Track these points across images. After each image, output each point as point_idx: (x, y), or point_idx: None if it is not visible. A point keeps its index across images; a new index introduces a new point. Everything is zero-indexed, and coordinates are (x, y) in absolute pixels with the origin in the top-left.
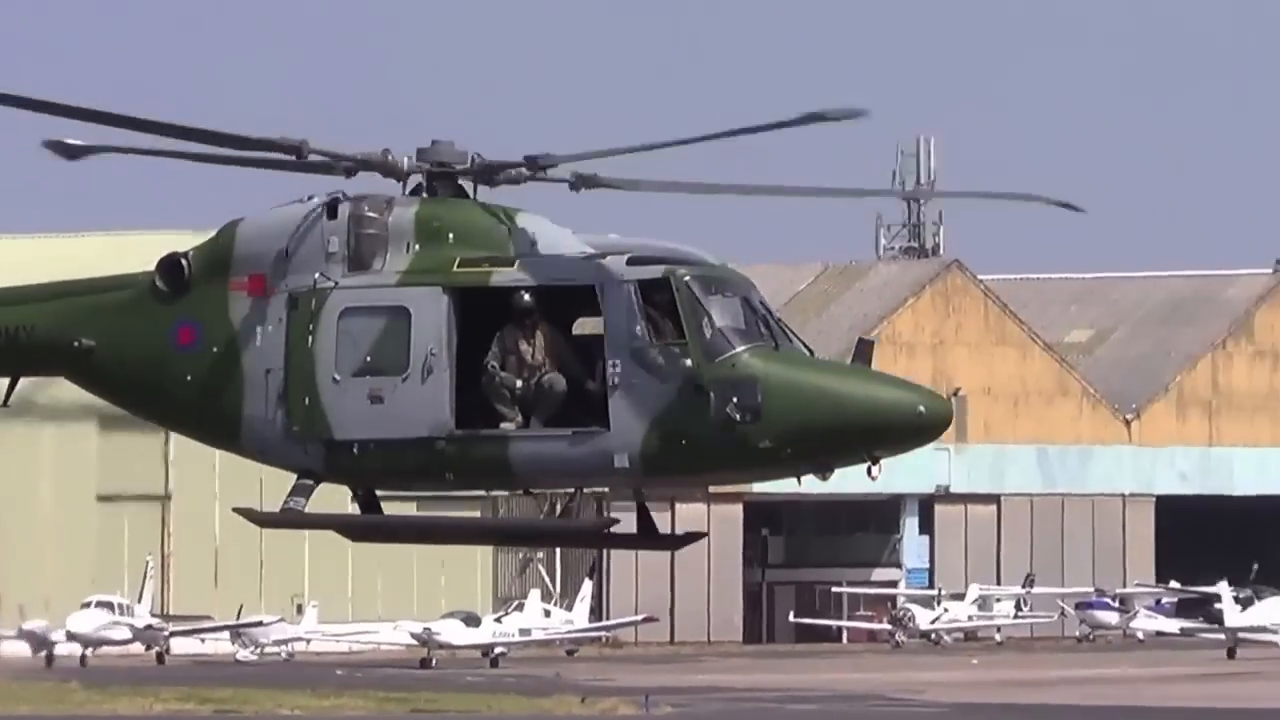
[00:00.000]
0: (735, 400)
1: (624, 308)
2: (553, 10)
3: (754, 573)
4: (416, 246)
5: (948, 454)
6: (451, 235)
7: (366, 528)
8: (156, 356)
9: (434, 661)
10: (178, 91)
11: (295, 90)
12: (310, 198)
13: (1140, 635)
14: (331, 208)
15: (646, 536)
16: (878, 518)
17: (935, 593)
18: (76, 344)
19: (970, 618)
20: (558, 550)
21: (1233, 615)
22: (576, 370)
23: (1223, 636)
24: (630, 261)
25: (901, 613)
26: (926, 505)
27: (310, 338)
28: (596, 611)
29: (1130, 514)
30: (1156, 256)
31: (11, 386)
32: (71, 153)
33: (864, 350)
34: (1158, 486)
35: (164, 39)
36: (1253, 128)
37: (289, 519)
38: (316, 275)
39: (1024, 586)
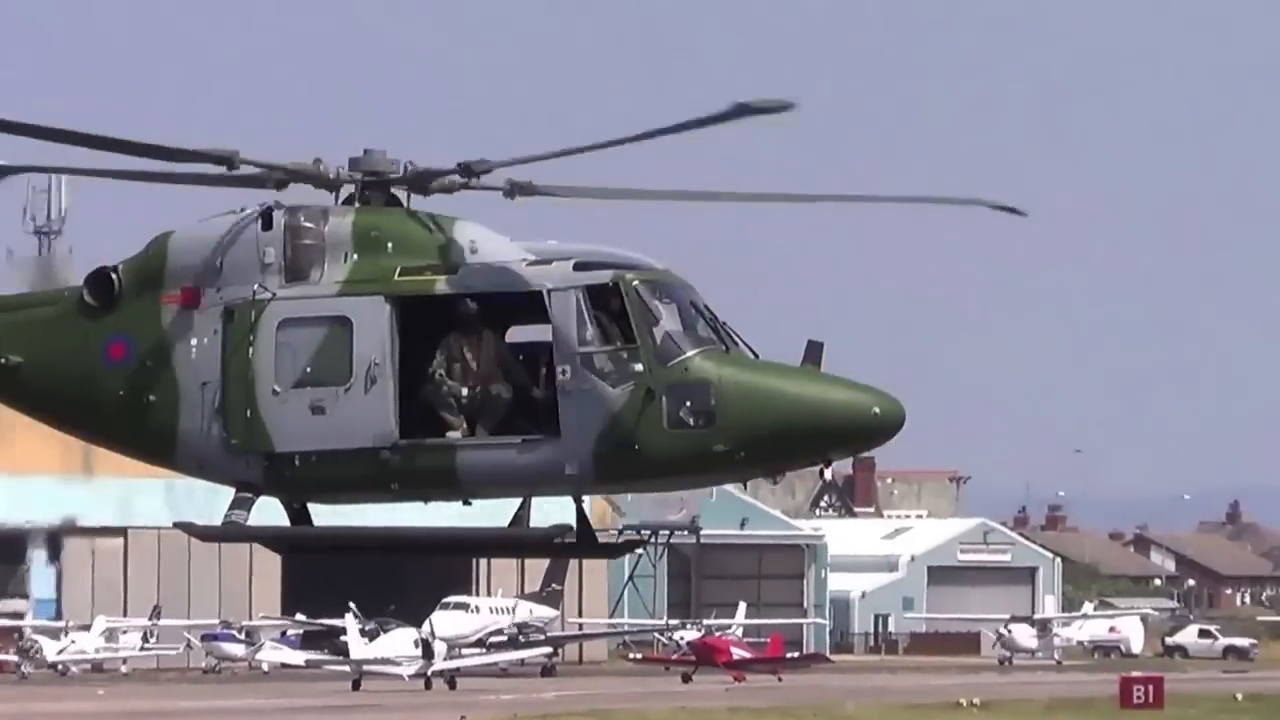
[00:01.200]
0: (689, 404)
1: (572, 313)
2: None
3: None
4: (355, 256)
5: (77, 486)
6: (390, 244)
7: (308, 540)
8: (87, 372)
9: None
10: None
11: (222, 103)
12: (243, 209)
13: (265, 667)
14: (266, 218)
15: (589, 545)
16: (4, 549)
17: (63, 624)
18: (3, 361)
19: (97, 649)
20: None
21: (358, 648)
22: (523, 377)
23: (348, 668)
24: (577, 267)
25: (28, 644)
26: (54, 537)
27: (248, 349)
28: None
29: (258, 548)
30: None
31: None
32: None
33: (813, 352)
34: None
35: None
36: None
37: (230, 532)
38: (253, 286)
39: (151, 619)
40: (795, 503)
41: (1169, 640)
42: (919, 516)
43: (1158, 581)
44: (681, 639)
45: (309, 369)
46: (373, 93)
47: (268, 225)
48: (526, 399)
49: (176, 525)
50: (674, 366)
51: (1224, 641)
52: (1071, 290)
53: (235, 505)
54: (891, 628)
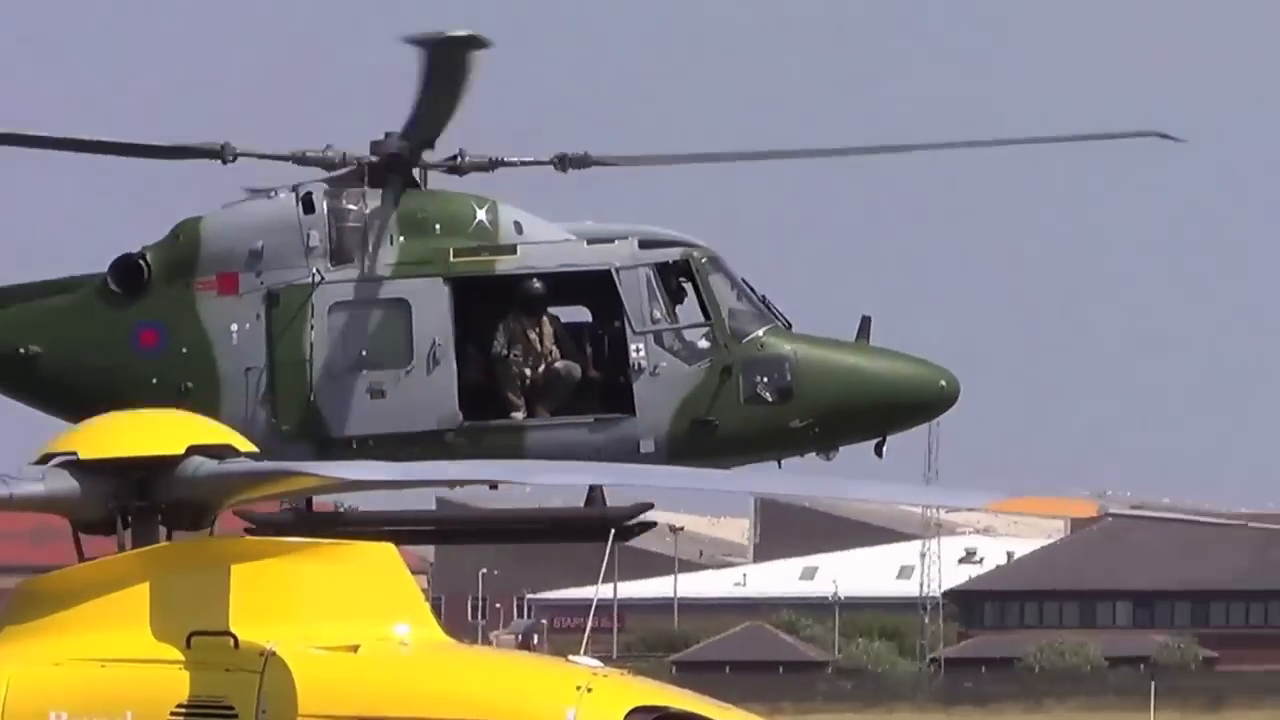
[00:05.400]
0: (766, 380)
1: (643, 291)
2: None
3: None
4: (400, 238)
5: None
6: (438, 226)
7: (375, 522)
8: (115, 361)
9: None
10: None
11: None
12: (275, 192)
13: None
14: (307, 201)
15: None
16: None
17: None
18: (21, 351)
19: None
20: None
21: None
22: (588, 357)
23: None
24: (643, 244)
25: None
26: None
27: (298, 333)
28: None
29: None
30: None
31: None
32: None
33: (865, 326)
34: None
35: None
36: None
37: (288, 519)
38: (298, 270)
39: None
40: None
41: None
42: None
43: None
44: None
45: (365, 352)
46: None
47: (309, 208)
48: (593, 378)
49: (234, 511)
50: (748, 343)
51: None
52: None
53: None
54: None
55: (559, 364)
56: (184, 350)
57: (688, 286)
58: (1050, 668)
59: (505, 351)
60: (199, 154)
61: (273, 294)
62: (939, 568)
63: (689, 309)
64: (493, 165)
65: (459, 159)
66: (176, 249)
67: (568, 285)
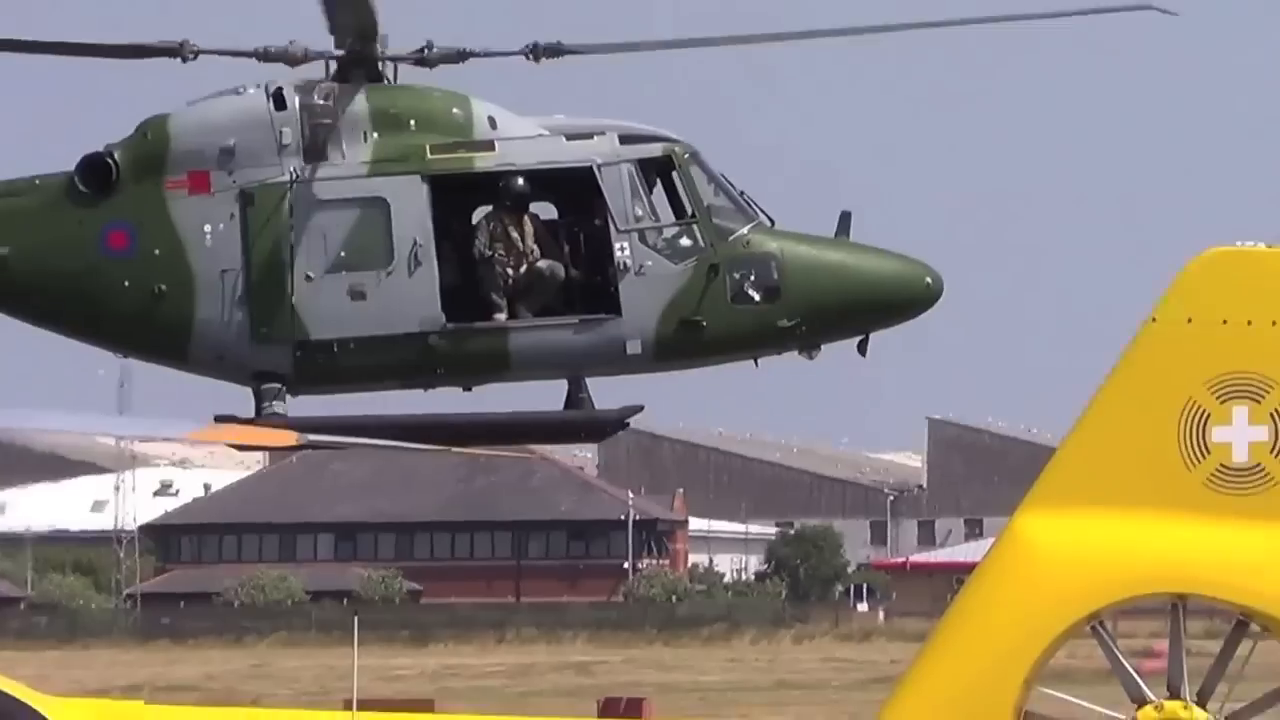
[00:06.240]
0: (753, 279)
1: (626, 188)
2: None
3: None
4: (375, 135)
5: None
6: (412, 122)
7: (351, 427)
8: (84, 264)
9: None
10: None
11: None
12: (244, 88)
13: None
14: (278, 98)
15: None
16: None
17: None
18: None
19: None
20: None
21: None
22: (573, 256)
23: None
24: (623, 140)
25: None
26: None
27: (274, 234)
28: None
29: None
30: None
31: None
32: None
33: (845, 222)
34: None
35: None
36: None
37: (277, 424)
38: (271, 169)
39: None
40: None
41: None
42: None
43: None
44: None
45: (344, 253)
46: None
47: (280, 105)
48: (581, 278)
49: (217, 419)
50: (735, 241)
51: None
52: None
53: (267, 396)
54: None
55: (542, 263)
56: (156, 252)
57: (670, 183)
58: (251, 602)
59: (487, 251)
60: (157, 53)
61: (246, 193)
62: (134, 501)
63: (674, 207)
64: (461, 57)
65: (426, 51)
66: (145, 146)
67: (548, 183)
